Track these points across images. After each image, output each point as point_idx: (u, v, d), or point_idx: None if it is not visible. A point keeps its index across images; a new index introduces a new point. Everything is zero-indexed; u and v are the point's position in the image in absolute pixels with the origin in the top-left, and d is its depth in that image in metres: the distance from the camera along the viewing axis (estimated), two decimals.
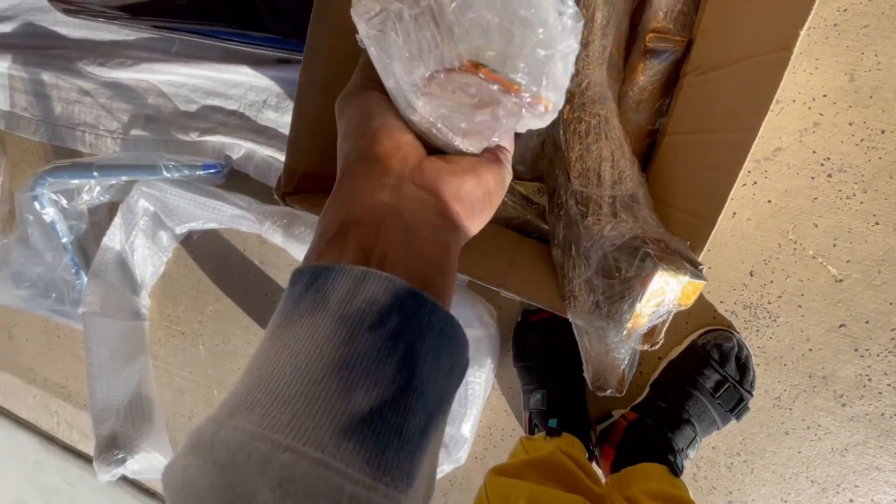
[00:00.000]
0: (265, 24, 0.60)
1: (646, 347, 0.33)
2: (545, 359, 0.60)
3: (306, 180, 0.41)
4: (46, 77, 0.83)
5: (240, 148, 0.73)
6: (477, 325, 0.62)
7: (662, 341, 0.33)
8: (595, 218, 0.38)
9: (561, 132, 0.45)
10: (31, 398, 1.03)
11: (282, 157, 0.70)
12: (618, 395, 0.34)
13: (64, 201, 0.75)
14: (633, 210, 0.37)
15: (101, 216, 0.82)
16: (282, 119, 0.71)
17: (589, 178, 0.41)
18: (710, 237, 0.31)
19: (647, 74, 0.46)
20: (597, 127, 0.43)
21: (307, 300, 0.17)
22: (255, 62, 0.70)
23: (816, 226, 0.53)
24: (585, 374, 0.36)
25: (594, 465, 0.61)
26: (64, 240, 0.77)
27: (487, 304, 0.64)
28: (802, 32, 0.27)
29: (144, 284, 0.83)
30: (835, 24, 0.49)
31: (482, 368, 0.62)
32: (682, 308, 0.31)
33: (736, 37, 0.37)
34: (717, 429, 0.56)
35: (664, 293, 0.30)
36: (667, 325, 0.33)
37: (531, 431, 0.62)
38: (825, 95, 0.50)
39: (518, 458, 0.56)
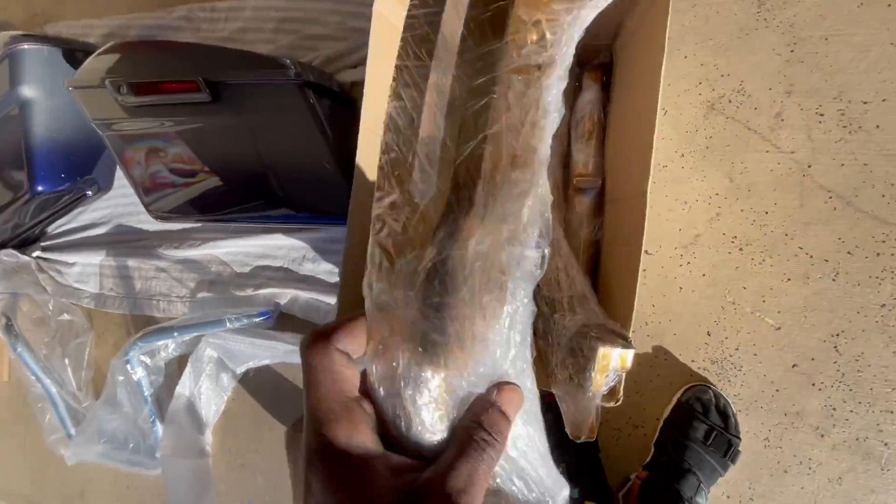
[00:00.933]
0: (280, 201, 0.81)
1: (611, 404, 0.46)
2: (560, 435, 0.70)
3: None
4: (131, 262, 1.05)
5: (286, 295, 0.91)
6: None
7: (622, 398, 0.46)
8: (560, 314, 0.53)
9: None
10: None
11: (323, 297, 0.87)
12: (590, 439, 0.46)
13: (147, 359, 0.91)
14: (583, 306, 0.52)
15: (173, 369, 0.98)
16: (318, 268, 0.90)
17: (551, 285, 0.57)
18: (633, 318, 0.46)
19: (582, 205, 0.65)
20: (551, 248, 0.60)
21: None
22: (293, 230, 0.92)
23: (745, 288, 0.67)
24: (567, 429, 0.47)
25: None
26: (146, 392, 0.92)
27: None
28: (648, 187, 0.45)
29: (208, 423, 0.96)
30: (707, 147, 0.69)
31: None
32: (624, 371, 0.44)
33: (621, 179, 0.56)
34: (721, 475, 0.64)
35: (609, 360, 0.43)
36: (622, 384, 0.46)
37: None
38: (717, 194, 0.68)
39: None
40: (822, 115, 0.65)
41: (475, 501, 0.19)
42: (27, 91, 0.91)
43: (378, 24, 0.57)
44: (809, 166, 0.65)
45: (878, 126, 0.62)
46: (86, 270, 1.10)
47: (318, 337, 0.21)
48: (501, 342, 0.22)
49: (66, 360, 1.05)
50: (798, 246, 0.65)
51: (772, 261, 0.66)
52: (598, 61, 0.68)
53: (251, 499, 0.95)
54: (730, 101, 0.68)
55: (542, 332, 0.57)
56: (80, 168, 1.02)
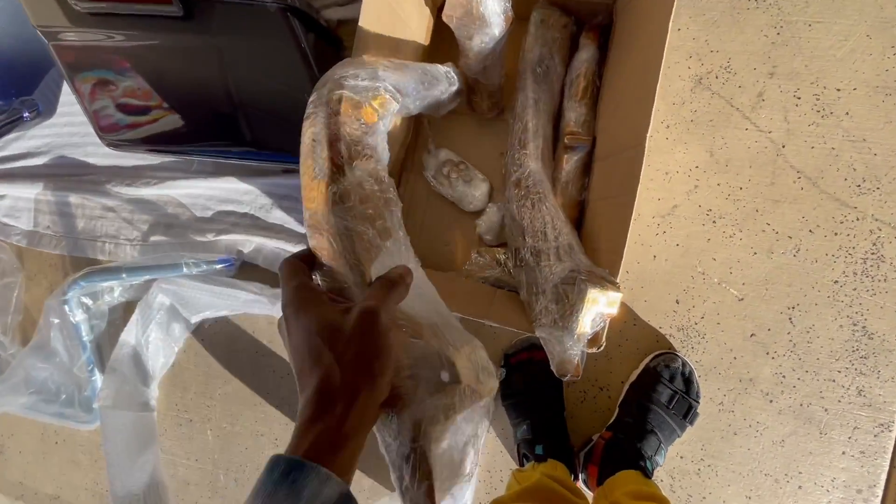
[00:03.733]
0: (249, 141, 0.75)
1: (594, 349, 0.46)
2: (528, 393, 0.70)
3: None
4: (73, 199, 0.95)
5: (250, 243, 0.86)
6: None
7: (605, 344, 0.46)
8: (546, 263, 0.53)
9: (514, 208, 0.62)
10: None
11: (290, 247, 0.83)
12: (575, 378, 0.46)
13: (89, 301, 0.83)
14: (570, 255, 0.52)
15: (118, 315, 0.91)
16: (289, 217, 0.85)
17: (538, 236, 0.56)
18: (622, 265, 0.46)
19: (570, 163, 0.64)
20: (538, 202, 0.59)
21: (283, 489, 0.25)
22: (263, 174, 0.86)
23: (715, 259, 0.69)
24: (552, 368, 0.47)
25: (581, 485, 0.69)
26: (85, 338, 0.84)
27: None
28: (648, 137, 0.45)
29: (155, 376, 0.89)
30: (691, 121, 0.70)
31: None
32: (612, 314, 0.44)
33: (617, 134, 0.56)
34: (678, 436, 0.67)
35: (597, 303, 0.43)
36: (605, 330, 0.46)
37: (522, 463, 0.70)
38: (697, 167, 0.70)
39: (511, 490, 0.64)
40: (799, 98, 0.67)
41: (388, 309, 0.32)
42: None
43: None
44: (783, 146, 0.68)
45: (847, 113, 0.66)
46: (17, 205, 0.99)
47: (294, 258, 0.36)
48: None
49: None
50: (766, 222, 0.68)
51: (741, 234, 0.68)
52: (596, 21, 0.67)
53: (198, 456, 0.89)
54: (716, 77, 0.70)
55: (525, 283, 0.56)
56: (17, 86, 0.90)
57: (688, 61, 0.71)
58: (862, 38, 0.66)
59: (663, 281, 0.71)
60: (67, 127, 0.96)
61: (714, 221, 0.69)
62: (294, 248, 0.82)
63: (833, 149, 0.66)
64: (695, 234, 0.70)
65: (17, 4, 0.88)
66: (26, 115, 0.91)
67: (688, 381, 0.68)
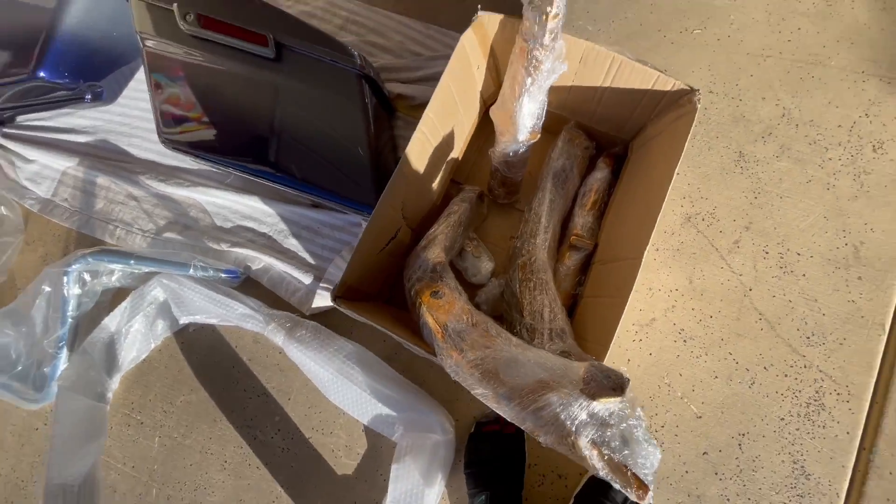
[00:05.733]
0: (291, 170, 0.83)
1: None
2: (492, 464, 0.72)
3: (350, 291, 0.59)
4: (100, 180, 0.99)
5: (260, 261, 0.90)
6: (438, 430, 0.74)
7: None
8: (539, 341, 0.59)
9: (517, 287, 0.69)
10: None
11: (297, 275, 0.87)
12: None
13: (88, 278, 0.84)
14: (562, 338, 0.58)
15: (106, 299, 0.91)
16: (302, 246, 0.91)
17: (535, 316, 0.63)
18: (606, 359, 0.53)
19: (571, 260, 0.73)
20: (539, 286, 0.67)
21: None
22: (291, 202, 0.92)
23: (681, 375, 0.77)
24: None
25: None
26: (70, 314, 0.83)
27: (448, 413, 0.78)
28: (646, 250, 0.54)
29: (121, 368, 0.87)
30: (677, 250, 0.81)
31: (437, 475, 0.72)
32: None
33: (617, 245, 0.65)
34: None
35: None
36: None
37: None
38: (677, 289, 0.80)
39: None
40: (766, 252, 0.79)
41: None
42: None
43: (459, 53, 0.65)
44: (750, 289, 0.78)
45: (804, 274, 0.78)
46: (43, 172, 1.02)
47: None
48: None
49: None
50: (728, 351, 0.76)
51: (707, 357, 0.76)
52: (613, 150, 0.80)
53: (135, 463, 0.85)
54: (702, 220, 0.82)
55: None
56: (92, 72, 0.98)
57: (681, 201, 0.83)
58: (820, 218, 0.80)
59: (633, 385, 0.77)
60: (120, 116, 1.03)
61: (685, 341, 0.78)
62: (302, 276, 0.86)
63: (790, 301, 0.77)
64: (667, 348, 0.78)
65: (118, 7, 0.99)
66: (88, 97, 0.98)
67: None
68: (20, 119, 1.05)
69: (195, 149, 0.84)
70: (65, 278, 0.82)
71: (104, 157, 1.01)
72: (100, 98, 0.99)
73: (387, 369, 0.77)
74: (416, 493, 0.71)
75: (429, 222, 0.74)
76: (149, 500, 0.84)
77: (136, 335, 0.87)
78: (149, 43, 0.81)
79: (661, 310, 0.79)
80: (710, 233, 0.81)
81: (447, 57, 0.65)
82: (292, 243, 0.91)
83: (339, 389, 0.78)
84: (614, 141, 0.80)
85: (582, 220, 0.75)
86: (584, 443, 0.40)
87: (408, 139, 0.63)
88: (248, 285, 0.90)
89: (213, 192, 0.94)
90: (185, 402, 0.87)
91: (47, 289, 0.82)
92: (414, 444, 0.73)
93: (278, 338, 0.80)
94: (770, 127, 0.84)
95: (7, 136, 1.04)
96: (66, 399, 0.77)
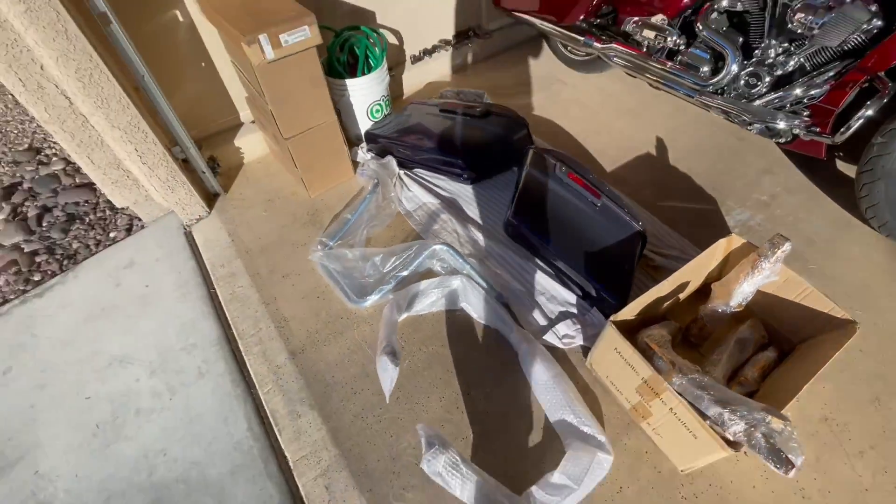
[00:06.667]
0: (590, 268, 1.38)
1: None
2: None
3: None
4: (444, 216, 1.67)
5: (523, 309, 1.41)
6: (604, 450, 1.07)
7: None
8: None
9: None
10: None
11: (537, 315, 1.35)
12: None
13: (441, 256, 1.45)
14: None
15: (423, 273, 1.49)
16: (549, 307, 1.40)
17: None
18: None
19: (734, 390, 1.09)
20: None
21: None
22: (570, 287, 1.46)
23: None
24: None
25: None
26: (408, 272, 1.43)
27: (610, 445, 1.10)
28: (793, 401, 0.91)
29: (411, 311, 1.39)
30: (811, 434, 1.11)
31: (590, 483, 1.03)
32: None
33: (767, 399, 1.01)
34: None
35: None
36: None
37: None
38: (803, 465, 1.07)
39: None
40: (885, 471, 1.04)
41: None
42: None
43: (711, 250, 1.18)
44: (866, 490, 1.02)
45: None
46: (414, 198, 1.74)
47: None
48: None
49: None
50: None
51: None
52: (782, 346, 1.19)
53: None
54: (837, 425, 1.12)
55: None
56: (481, 169, 1.74)
57: (821, 406, 1.15)
58: None
59: None
60: (470, 192, 1.75)
61: (803, 497, 1.02)
62: (539, 318, 1.34)
63: None
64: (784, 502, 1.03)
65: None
66: (465, 176, 1.72)
67: None
68: (415, 170, 1.85)
69: (521, 242, 1.46)
70: (425, 252, 1.43)
71: (456, 206, 1.71)
72: (468, 181, 1.74)
73: (578, 395, 1.16)
74: (579, 475, 1.02)
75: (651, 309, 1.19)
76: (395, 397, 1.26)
77: (429, 297, 1.40)
78: (530, 170, 1.51)
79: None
80: (841, 437, 1.10)
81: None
82: (544, 302, 1.41)
83: (545, 391, 1.17)
84: (782, 339, 1.20)
85: (750, 372, 1.13)
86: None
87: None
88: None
89: (526, 266, 1.53)
90: (434, 350, 1.33)
91: (410, 253, 1.43)
92: (581, 451, 1.06)
93: (519, 344, 1.26)
94: None
95: (406, 175, 1.82)
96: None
